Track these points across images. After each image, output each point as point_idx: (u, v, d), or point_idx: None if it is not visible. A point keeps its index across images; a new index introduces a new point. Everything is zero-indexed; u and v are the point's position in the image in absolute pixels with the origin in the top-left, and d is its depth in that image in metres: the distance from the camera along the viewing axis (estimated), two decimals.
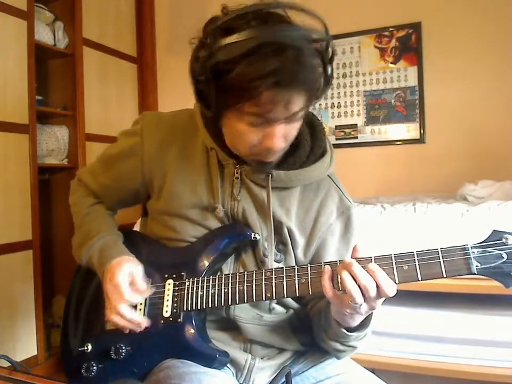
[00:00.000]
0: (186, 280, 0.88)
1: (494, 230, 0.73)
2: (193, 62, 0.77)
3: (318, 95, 0.78)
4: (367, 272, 0.71)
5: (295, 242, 0.90)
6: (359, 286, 0.70)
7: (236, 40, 0.70)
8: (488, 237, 0.73)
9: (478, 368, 1.55)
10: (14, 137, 2.07)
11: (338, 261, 0.78)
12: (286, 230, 0.89)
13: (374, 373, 0.92)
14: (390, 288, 0.71)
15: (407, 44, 2.53)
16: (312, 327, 0.94)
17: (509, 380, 1.50)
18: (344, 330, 0.79)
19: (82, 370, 0.90)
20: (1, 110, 2.02)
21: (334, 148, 0.96)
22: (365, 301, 0.71)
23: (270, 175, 0.87)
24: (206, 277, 0.87)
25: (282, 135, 0.78)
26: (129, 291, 0.86)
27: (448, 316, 1.63)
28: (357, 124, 2.66)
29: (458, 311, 1.63)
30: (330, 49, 0.75)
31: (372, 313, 0.78)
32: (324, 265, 0.78)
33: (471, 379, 1.55)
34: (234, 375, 0.91)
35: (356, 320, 0.77)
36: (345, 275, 0.71)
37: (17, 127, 2.09)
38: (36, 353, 2.12)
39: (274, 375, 0.88)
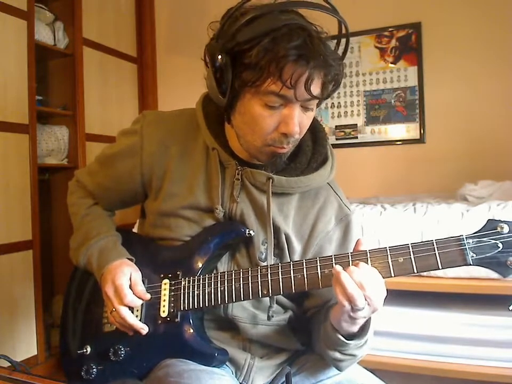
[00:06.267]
0: (182, 279, 0.88)
1: (489, 220, 0.72)
2: (211, 47, 0.78)
3: (331, 87, 0.80)
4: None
5: (292, 248, 0.90)
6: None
7: (256, 16, 0.72)
8: (483, 227, 0.72)
9: (478, 368, 1.55)
10: (14, 137, 2.07)
11: (334, 255, 0.78)
12: (283, 236, 0.89)
13: (373, 373, 0.92)
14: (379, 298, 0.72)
15: (407, 44, 2.52)
16: (311, 333, 0.93)
17: (509, 380, 1.49)
18: (342, 338, 0.78)
19: (82, 373, 0.90)
20: (1, 110, 2.02)
21: (334, 148, 0.96)
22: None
23: (271, 180, 0.86)
24: (201, 276, 0.87)
25: (298, 121, 0.79)
26: (131, 293, 0.86)
27: (448, 316, 1.63)
28: (357, 124, 2.66)
29: (458, 311, 1.62)
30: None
31: (370, 318, 0.77)
32: (319, 259, 0.79)
33: (471, 379, 1.55)
34: (234, 374, 0.91)
35: (356, 325, 0.76)
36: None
37: (17, 127, 2.08)
38: (36, 353, 2.12)
39: (274, 375, 0.87)
